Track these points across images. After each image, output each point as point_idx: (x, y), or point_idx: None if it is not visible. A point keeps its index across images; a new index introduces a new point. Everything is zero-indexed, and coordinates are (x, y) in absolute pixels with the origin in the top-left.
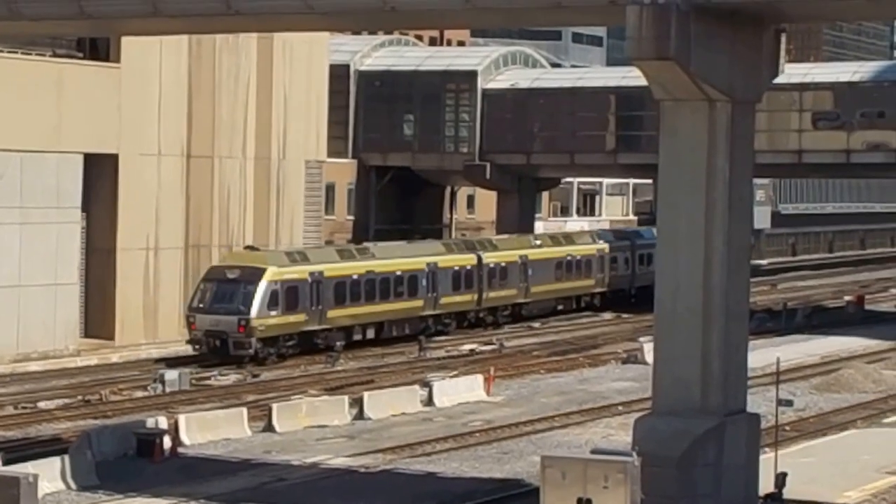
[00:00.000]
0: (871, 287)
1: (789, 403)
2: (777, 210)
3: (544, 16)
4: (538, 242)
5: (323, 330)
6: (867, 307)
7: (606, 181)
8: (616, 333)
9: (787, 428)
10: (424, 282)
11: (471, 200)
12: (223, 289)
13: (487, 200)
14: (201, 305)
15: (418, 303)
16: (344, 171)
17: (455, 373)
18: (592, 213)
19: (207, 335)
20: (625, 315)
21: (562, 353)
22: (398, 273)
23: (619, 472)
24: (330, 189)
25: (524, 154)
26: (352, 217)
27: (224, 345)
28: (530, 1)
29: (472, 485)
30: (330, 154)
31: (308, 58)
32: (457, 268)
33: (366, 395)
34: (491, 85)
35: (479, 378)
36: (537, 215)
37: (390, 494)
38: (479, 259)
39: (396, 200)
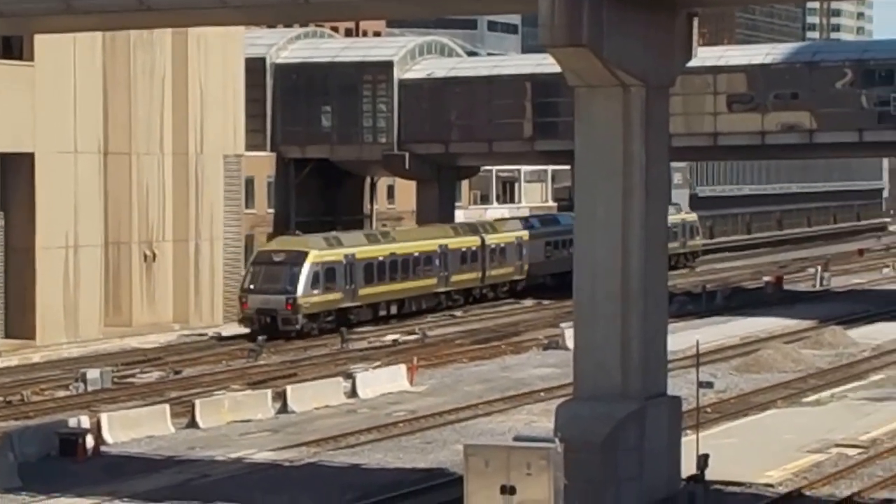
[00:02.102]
0: (788, 267)
1: (709, 385)
2: (694, 193)
3: (459, 4)
4: (532, 224)
5: (355, 307)
6: (785, 287)
7: (525, 168)
8: (537, 320)
9: (709, 409)
10: (437, 262)
11: (391, 190)
12: (271, 271)
13: (407, 190)
14: (252, 286)
15: (432, 280)
16: (263, 165)
17: (378, 364)
18: (512, 201)
19: (259, 313)
20: (545, 301)
21: (484, 341)
22: (416, 254)
23: (542, 459)
24: (249, 182)
25: (442, 143)
26: (272, 210)
27: (273, 321)
28: None
29: (396, 475)
30: (248, 147)
31: (223, 52)
32: (464, 249)
33: (289, 388)
34: (407, 75)
35: (403, 368)
36: (457, 204)
37: (315, 487)
38: (483, 241)
39: (316, 192)
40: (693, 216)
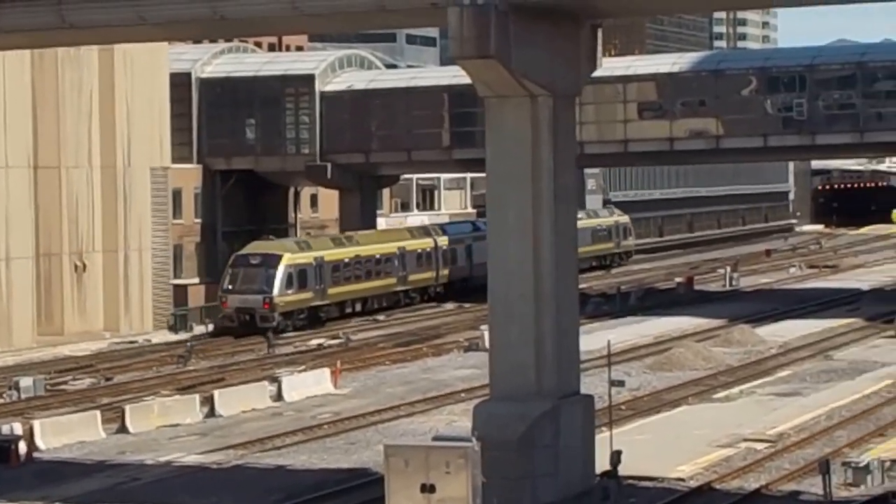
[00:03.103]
0: (699, 268)
1: (621, 384)
2: (608, 198)
3: (370, 19)
4: (478, 227)
5: (325, 305)
6: (696, 288)
7: (444, 176)
8: (458, 322)
9: (623, 407)
10: (396, 263)
11: (314, 200)
12: (249, 273)
13: (330, 199)
14: (231, 287)
15: (392, 280)
16: (189, 176)
17: (303, 368)
18: (432, 208)
19: (238, 311)
20: (466, 304)
21: (406, 344)
22: (377, 256)
23: (460, 458)
24: (177, 194)
25: (363, 153)
26: (199, 220)
27: (252, 319)
28: (355, 5)
29: (321, 476)
30: (175, 160)
31: (149, 67)
32: (419, 251)
33: (216, 392)
34: (329, 87)
35: (327, 372)
36: (379, 212)
37: (242, 489)
38: (436, 243)
39: (242, 202)
40: (626, 218)
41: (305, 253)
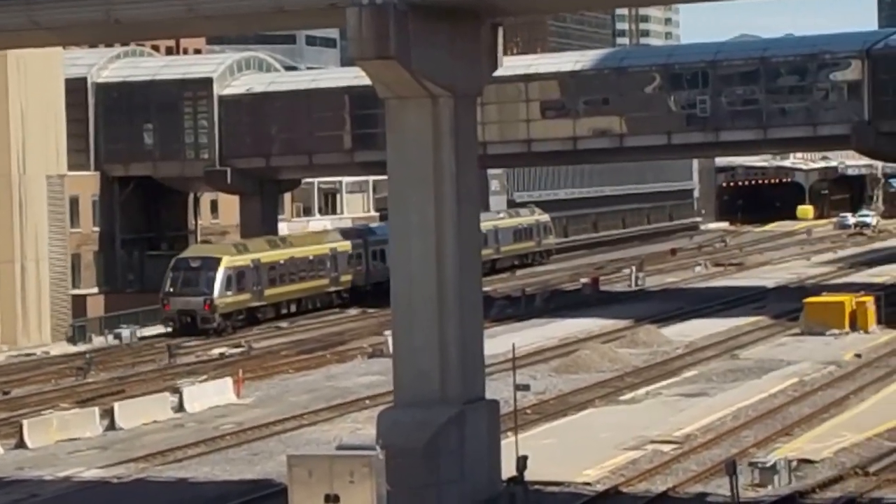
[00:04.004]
0: (605, 269)
1: (526, 388)
2: (512, 198)
3: (267, 21)
4: None
5: (262, 306)
6: (602, 288)
7: (346, 179)
8: (362, 328)
9: (528, 411)
10: (329, 264)
11: (214, 205)
12: (189, 275)
13: (230, 204)
14: (172, 290)
15: (325, 281)
16: (87, 184)
17: (205, 377)
18: (334, 212)
19: (180, 314)
20: (370, 310)
21: (310, 351)
22: (311, 257)
23: (364, 467)
24: (74, 202)
25: (263, 157)
26: (97, 228)
27: (193, 321)
28: (252, 7)
29: (224, 488)
30: (71, 167)
31: (44, 73)
32: (350, 251)
33: (116, 405)
34: (227, 91)
35: (229, 381)
36: (280, 216)
37: (143, 503)
38: (366, 242)
39: (141, 209)
40: (546, 217)
41: (243, 255)
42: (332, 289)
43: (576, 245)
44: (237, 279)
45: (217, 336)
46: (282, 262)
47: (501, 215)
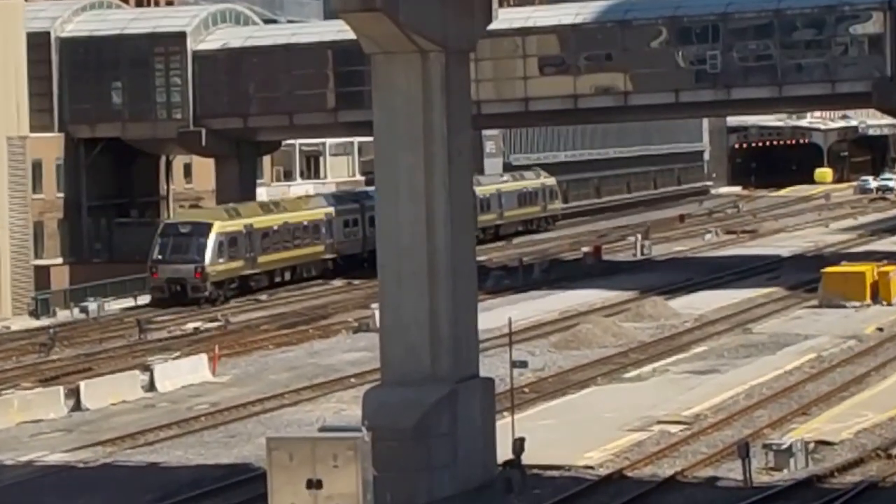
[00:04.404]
0: (608, 237)
1: (523, 365)
2: (508, 161)
3: None
4: None
5: (255, 274)
6: (605, 258)
7: (330, 141)
8: (347, 301)
9: (526, 390)
10: (324, 229)
11: (188, 169)
12: (179, 242)
13: (205, 168)
14: (161, 257)
15: (321, 248)
16: (50, 146)
17: (177, 354)
18: (317, 176)
19: (169, 282)
20: (356, 281)
21: (291, 325)
22: (306, 223)
23: (349, 450)
24: (37, 166)
25: (241, 117)
26: (62, 194)
27: (183, 289)
28: None
29: (198, 472)
30: (34, 129)
31: (3, 26)
32: (347, 217)
33: (82, 384)
34: (202, 46)
35: (204, 358)
36: (259, 181)
37: (112, 489)
38: (363, 208)
39: (109, 174)
40: (552, 181)
41: (235, 220)
42: (328, 256)
43: (577, 211)
44: (229, 245)
45: (211, 305)
46: (275, 227)
47: (505, 178)
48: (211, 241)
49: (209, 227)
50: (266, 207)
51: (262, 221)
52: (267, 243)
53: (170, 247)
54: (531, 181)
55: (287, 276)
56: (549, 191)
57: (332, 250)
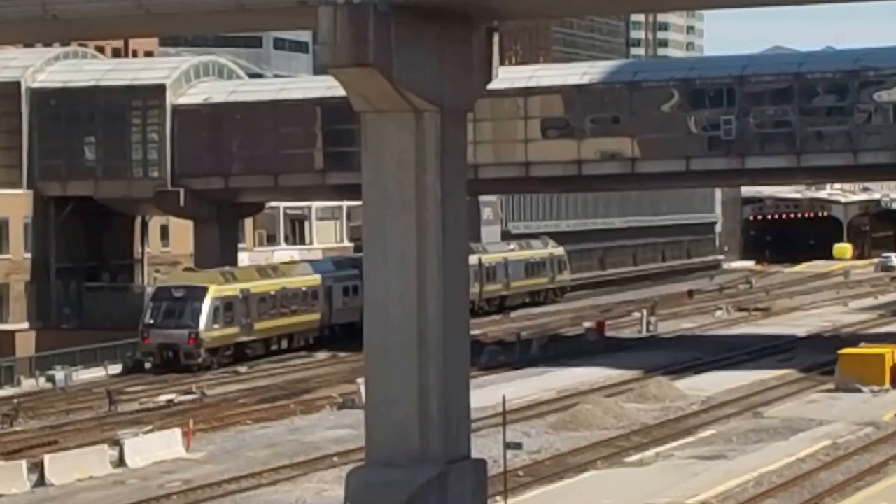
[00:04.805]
0: (612, 311)
1: (518, 446)
2: (507, 229)
3: (227, 20)
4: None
5: (251, 341)
6: (608, 334)
7: (316, 204)
8: (331, 375)
9: (521, 473)
10: (322, 296)
11: (164, 231)
12: (172, 306)
13: (183, 230)
14: (153, 321)
15: (318, 315)
16: (18, 204)
17: (149, 428)
18: (303, 241)
19: (161, 348)
20: (342, 354)
21: (271, 399)
22: (304, 289)
23: None
24: (3, 224)
25: (222, 177)
26: (29, 255)
27: (176, 356)
28: (210, 5)
29: None
30: (1, 185)
31: None
32: (345, 284)
33: (47, 458)
34: (182, 100)
35: (178, 432)
36: (241, 245)
37: None
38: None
39: (80, 234)
40: (560, 250)
41: (231, 284)
42: (326, 324)
43: (580, 284)
44: (225, 311)
45: (204, 371)
46: (272, 293)
47: (512, 247)
48: (206, 306)
49: (204, 290)
50: (263, 272)
51: (259, 286)
52: (263, 309)
53: (162, 311)
54: (539, 250)
55: (283, 343)
56: (557, 261)
57: (331, 317)
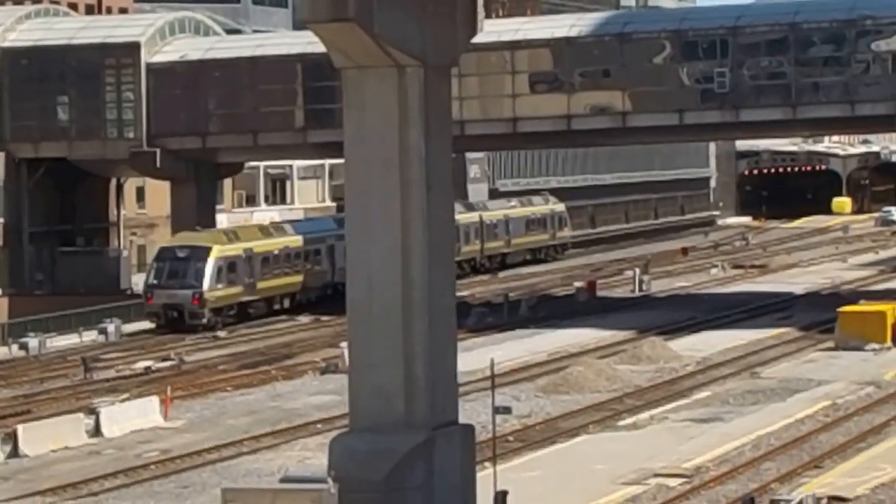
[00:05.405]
0: (603, 270)
1: (507, 411)
2: (495, 187)
3: None
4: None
5: (254, 300)
6: (599, 294)
7: (297, 163)
8: (314, 339)
9: (510, 438)
10: (325, 254)
11: (140, 193)
12: (176, 266)
13: (160, 192)
14: (157, 282)
15: (322, 273)
16: None
17: (126, 396)
18: (284, 201)
19: (165, 308)
20: (325, 317)
21: (252, 365)
22: (307, 248)
23: (313, 502)
24: None
25: (199, 136)
26: (1, 219)
27: (181, 316)
28: None
29: None
30: None
31: None
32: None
33: (21, 428)
34: (157, 58)
35: (155, 400)
36: (219, 206)
37: None
38: None
39: (53, 197)
40: (561, 206)
41: (235, 244)
42: (329, 281)
43: (571, 242)
44: (228, 270)
45: (208, 332)
46: (276, 252)
47: (513, 204)
48: (210, 266)
49: (208, 251)
50: (266, 231)
51: (262, 245)
52: (267, 268)
53: (166, 271)
54: (540, 206)
55: (286, 303)
56: (558, 217)
57: (334, 276)
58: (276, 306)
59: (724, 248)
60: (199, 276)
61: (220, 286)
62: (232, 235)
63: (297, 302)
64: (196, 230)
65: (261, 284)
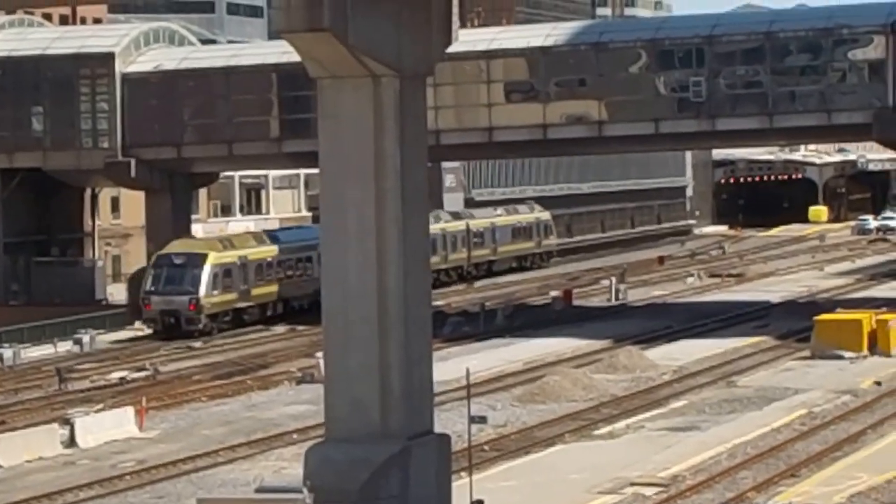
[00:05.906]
0: (579, 280)
1: (483, 420)
2: (470, 196)
3: None
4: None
5: (249, 307)
6: (576, 303)
7: (273, 173)
8: (290, 349)
9: (486, 448)
10: (317, 262)
11: (115, 203)
12: (173, 273)
13: (135, 202)
14: (154, 288)
15: (311, 281)
16: None
17: (101, 406)
18: (259, 211)
19: (162, 314)
20: (300, 327)
21: (227, 375)
22: (300, 255)
23: None
24: None
25: (174, 146)
26: None
27: (177, 322)
28: None
29: None
30: None
31: None
32: None
33: None
34: (132, 68)
35: (130, 411)
36: (194, 216)
37: None
38: None
39: (27, 207)
40: (547, 215)
41: (230, 252)
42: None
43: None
44: (223, 277)
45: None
46: (269, 259)
47: (499, 212)
48: (206, 273)
49: (204, 257)
50: (260, 239)
51: (256, 253)
52: (261, 275)
53: (163, 278)
54: (525, 215)
55: (280, 308)
56: (543, 226)
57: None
58: (270, 312)
59: (701, 257)
60: (196, 282)
61: (216, 292)
62: (227, 243)
63: (290, 308)
64: (191, 237)
65: (255, 291)
